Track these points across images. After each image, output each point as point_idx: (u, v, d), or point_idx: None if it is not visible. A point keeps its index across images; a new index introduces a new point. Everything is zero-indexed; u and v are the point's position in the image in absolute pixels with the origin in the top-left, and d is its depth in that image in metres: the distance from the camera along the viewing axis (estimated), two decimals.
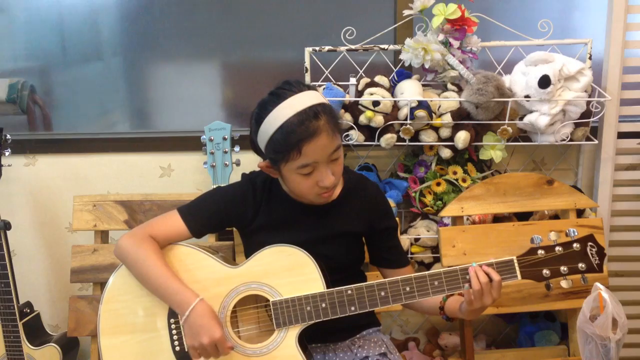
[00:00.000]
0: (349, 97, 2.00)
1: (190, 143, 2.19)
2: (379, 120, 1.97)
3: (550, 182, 1.95)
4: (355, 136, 2.00)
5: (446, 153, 2.06)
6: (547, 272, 1.41)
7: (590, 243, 1.42)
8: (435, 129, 2.03)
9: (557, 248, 1.42)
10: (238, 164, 1.97)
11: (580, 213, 2.02)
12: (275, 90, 1.42)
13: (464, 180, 2.08)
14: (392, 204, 1.99)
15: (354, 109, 2.00)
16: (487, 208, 1.94)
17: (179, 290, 1.44)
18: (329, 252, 1.52)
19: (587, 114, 2.01)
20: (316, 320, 1.45)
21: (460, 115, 2.00)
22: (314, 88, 1.45)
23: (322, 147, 1.38)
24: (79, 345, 2.18)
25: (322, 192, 1.44)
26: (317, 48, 2.07)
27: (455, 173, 2.09)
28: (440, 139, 2.04)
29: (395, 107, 2.00)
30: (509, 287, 1.89)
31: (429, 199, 2.08)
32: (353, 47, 2.07)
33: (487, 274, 1.40)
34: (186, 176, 2.27)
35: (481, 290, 1.38)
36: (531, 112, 1.99)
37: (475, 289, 1.38)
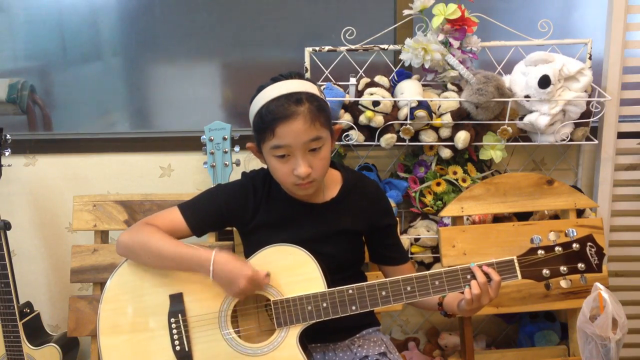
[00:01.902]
0: (349, 97, 2.00)
1: (190, 143, 2.19)
2: (379, 120, 1.98)
3: (550, 182, 1.96)
4: (355, 136, 2.00)
5: (446, 153, 2.06)
6: (547, 272, 1.42)
7: (589, 243, 1.43)
8: (435, 129, 2.03)
9: (556, 248, 1.42)
10: (238, 164, 1.97)
11: (580, 213, 2.02)
12: (275, 76, 1.46)
13: (464, 180, 2.08)
14: (392, 204, 1.99)
15: (354, 109, 2.00)
16: (487, 208, 1.95)
17: (194, 253, 1.45)
18: (329, 250, 1.52)
19: (587, 114, 2.01)
20: (317, 320, 1.45)
21: (460, 115, 2.00)
22: (313, 82, 1.47)
23: (296, 132, 1.38)
24: (79, 345, 2.18)
25: (299, 182, 1.44)
26: (317, 48, 2.07)
27: (455, 173, 2.09)
28: (440, 139, 2.04)
29: (395, 107, 2.00)
30: (508, 287, 1.89)
31: (429, 199, 2.08)
32: (353, 47, 2.07)
33: (487, 274, 1.41)
34: (186, 176, 2.27)
35: (480, 290, 1.39)
36: (531, 112, 1.99)
37: (475, 292, 1.39)
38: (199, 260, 1.45)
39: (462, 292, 1.43)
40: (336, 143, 1.87)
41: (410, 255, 2.10)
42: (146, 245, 1.48)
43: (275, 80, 1.45)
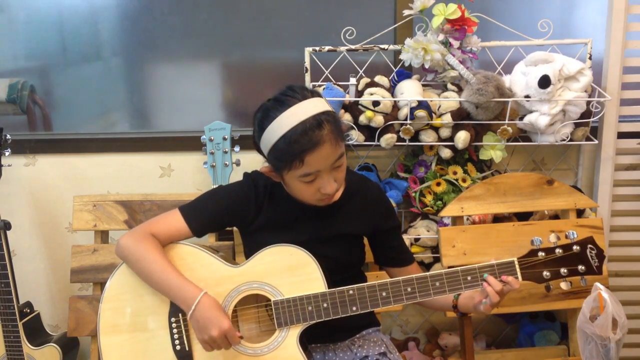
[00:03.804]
0: (349, 97, 2.00)
1: (190, 143, 2.19)
2: (379, 120, 1.97)
3: (550, 182, 1.96)
4: (355, 136, 2.00)
5: (446, 153, 2.06)
6: (547, 273, 1.42)
7: (590, 245, 1.43)
8: (435, 129, 2.03)
9: (557, 250, 1.43)
10: (238, 164, 1.97)
11: (580, 213, 2.02)
12: (278, 97, 1.41)
13: (464, 180, 2.08)
14: (392, 204, 1.99)
15: (354, 109, 2.00)
16: (487, 208, 1.94)
17: (183, 286, 1.44)
18: (329, 252, 1.52)
19: (587, 114, 2.01)
20: (317, 320, 1.45)
21: (460, 115, 2.00)
22: (317, 94, 1.43)
23: (325, 156, 1.37)
24: (79, 345, 2.18)
25: (324, 197, 1.45)
26: (317, 48, 2.07)
27: (455, 173, 2.09)
28: (440, 139, 2.04)
29: (395, 107, 2.00)
30: None
31: (429, 199, 2.08)
32: (353, 47, 2.07)
33: (506, 282, 1.42)
34: (186, 176, 2.27)
35: (499, 298, 1.41)
36: (531, 112, 1.99)
37: (494, 301, 1.41)
38: (184, 296, 1.44)
39: (476, 291, 1.45)
40: None
41: None
42: (140, 262, 1.48)
43: (282, 103, 1.38)
